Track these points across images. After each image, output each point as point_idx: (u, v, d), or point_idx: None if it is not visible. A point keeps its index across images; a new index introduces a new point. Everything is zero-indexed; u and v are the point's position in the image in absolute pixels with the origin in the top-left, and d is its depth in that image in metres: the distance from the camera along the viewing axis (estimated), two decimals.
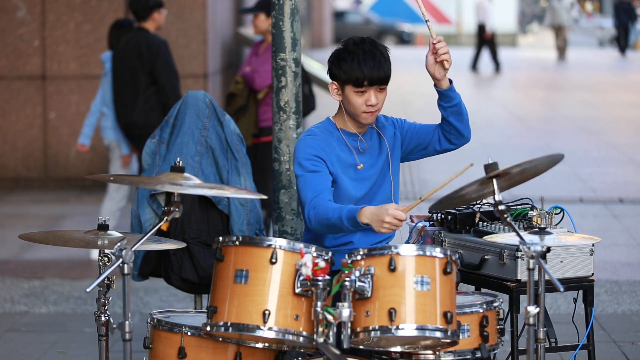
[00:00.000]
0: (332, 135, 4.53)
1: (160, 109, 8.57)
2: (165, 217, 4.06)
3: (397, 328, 3.92)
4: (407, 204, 4.23)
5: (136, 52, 8.64)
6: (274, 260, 4.00)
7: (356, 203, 4.45)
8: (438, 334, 3.96)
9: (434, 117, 4.65)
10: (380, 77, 4.41)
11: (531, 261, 3.96)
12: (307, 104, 8.83)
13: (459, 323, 4.10)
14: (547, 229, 4.43)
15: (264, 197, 4.33)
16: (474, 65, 26.43)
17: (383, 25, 42.15)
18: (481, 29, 26.31)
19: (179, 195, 4.11)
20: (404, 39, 41.57)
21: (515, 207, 5.01)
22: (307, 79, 9.02)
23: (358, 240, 4.52)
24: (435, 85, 4.56)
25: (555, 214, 4.93)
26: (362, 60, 4.40)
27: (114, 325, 4.05)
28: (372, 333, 3.94)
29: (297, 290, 3.98)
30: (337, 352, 3.94)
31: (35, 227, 9.88)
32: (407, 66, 25.62)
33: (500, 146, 14.37)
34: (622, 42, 32.06)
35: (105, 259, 4.26)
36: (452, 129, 4.60)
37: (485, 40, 26.14)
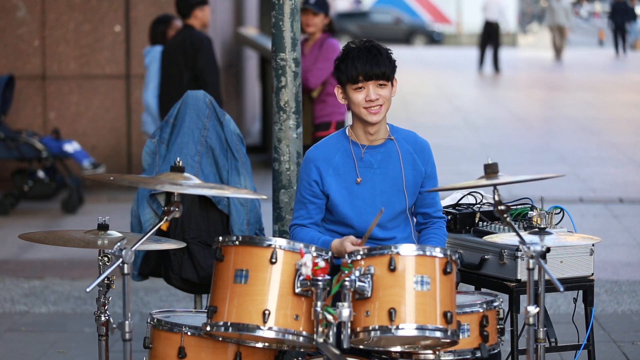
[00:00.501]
0: (340, 145, 4.55)
1: None
2: (165, 217, 4.06)
3: (397, 328, 3.92)
4: None
5: (180, 49, 8.83)
6: (274, 260, 4.01)
7: (353, 217, 4.48)
8: (438, 334, 3.96)
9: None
10: (375, 72, 4.42)
11: (531, 261, 3.97)
12: None
13: (459, 323, 4.10)
14: (547, 229, 4.43)
15: (264, 197, 4.34)
16: (481, 65, 26.25)
17: (413, 25, 41.72)
18: (491, 27, 25.81)
19: (179, 195, 4.11)
20: (434, 39, 41.19)
21: (515, 207, 5.01)
22: None
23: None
24: None
25: (555, 214, 4.93)
26: (356, 57, 4.44)
27: (114, 325, 4.05)
28: (372, 333, 3.94)
29: (297, 290, 3.99)
30: (337, 352, 3.94)
31: (35, 227, 9.88)
32: (408, 66, 25.63)
33: (500, 146, 14.36)
34: (617, 43, 31.87)
35: (105, 259, 4.26)
36: None
37: (491, 39, 25.80)
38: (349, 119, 4.70)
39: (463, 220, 5.01)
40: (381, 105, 4.46)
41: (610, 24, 32.22)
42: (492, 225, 4.97)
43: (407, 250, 4.01)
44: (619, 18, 31.51)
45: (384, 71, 4.44)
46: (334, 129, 8.75)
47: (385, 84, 4.46)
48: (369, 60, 4.42)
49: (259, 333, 3.98)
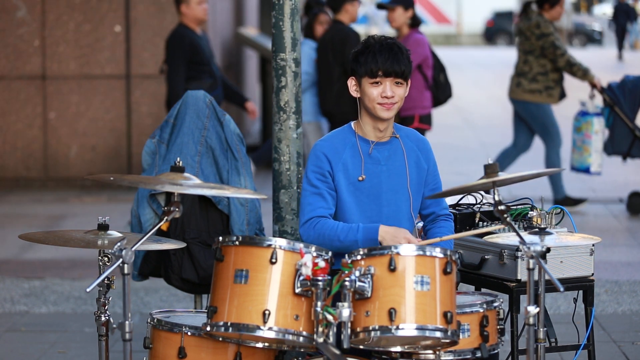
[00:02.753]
0: (347, 140, 4.54)
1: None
2: (165, 217, 4.05)
3: (397, 328, 3.92)
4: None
5: (330, 45, 9.15)
6: (274, 260, 4.00)
7: (356, 214, 4.47)
8: (438, 334, 3.96)
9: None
10: (394, 69, 4.42)
11: (531, 261, 3.96)
12: (445, 92, 9.09)
13: (459, 323, 4.10)
14: (547, 229, 4.42)
15: (264, 197, 4.34)
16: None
17: None
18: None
19: (179, 195, 4.11)
20: (593, 39, 40.65)
21: (515, 207, 5.01)
22: (442, 67, 9.25)
23: None
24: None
25: (555, 214, 4.93)
26: (378, 52, 4.43)
27: (114, 325, 4.05)
28: (372, 333, 3.94)
29: (297, 290, 3.98)
30: (337, 352, 3.94)
31: (35, 227, 9.88)
32: None
33: (500, 146, 14.31)
34: (621, 44, 31.76)
35: (105, 259, 4.26)
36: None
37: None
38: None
39: (463, 220, 5.01)
40: (395, 103, 4.46)
41: (612, 25, 32.10)
42: (492, 225, 4.96)
43: (407, 250, 4.01)
44: (622, 19, 31.35)
45: (404, 70, 4.45)
46: (417, 123, 8.86)
47: (402, 83, 4.47)
48: (390, 56, 4.43)
49: (259, 333, 3.98)
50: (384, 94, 4.44)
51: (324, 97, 9.42)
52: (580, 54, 26.54)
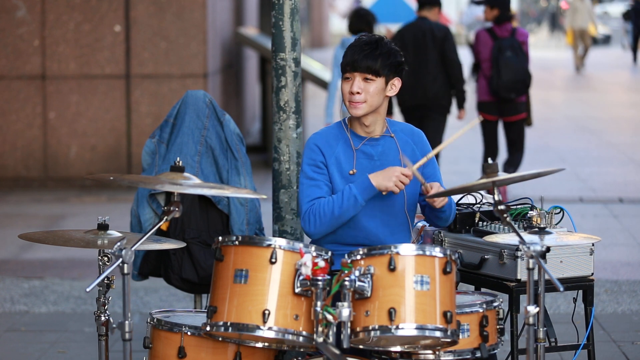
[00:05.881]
0: (340, 135, 4.52)
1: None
2: (165, 217, 4.05)
3: (397, 328, 3.92)
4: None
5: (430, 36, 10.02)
6: (273, 260, 4.00)
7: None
8: (438, 334, 3.96)
9: None
10: (361, 64, 4.36)
11: (531, 261, 3.96)
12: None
13: (459, 323, 4.10)
14: (547, 229, 4.42)
15: (264, 197, 4.34)
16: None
17: None
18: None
19: (179, 195, 4.11)
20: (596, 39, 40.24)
21: (515, 207, 5.01)
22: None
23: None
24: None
25: (555, 213, 4.93)
26: (353, 47, 4.41)
27: (114, 325, 4.05)
28: (372, 333, 3.94)
29: (296, 290, 3.98)
30: (336, 352, 3.94)
31: (35, 227, 9.88)
32: None
33: (500, 146, 14.35)
34: (637, 46, 30.96)
35: (105, 258, 4.26)
36: (432, 220, 4.67)
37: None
38: None
39: (463, 220, 5.01)
40: (364, 100, 4.40)
41: (628, 26, 31.51)
42: (492, 225, 4.96)
43: (406, 250, 4.00)
44: (638, 20, 30.62)
45: (370, 65, 4.36)
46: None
47: (372, 79, 4.39)
48: (361, 52, 4.37)
49: (259, 333, 3.98)
50: (350, 89, 4.40)
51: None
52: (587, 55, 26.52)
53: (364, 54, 4.36)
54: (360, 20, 10.34)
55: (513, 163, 10.67)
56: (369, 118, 4.46)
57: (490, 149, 10.63)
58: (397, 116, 10.76)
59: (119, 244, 3.98)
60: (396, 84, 4.46)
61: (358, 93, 4.38)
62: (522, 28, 10.30)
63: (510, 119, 10.46)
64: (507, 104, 10.29)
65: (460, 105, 10.22)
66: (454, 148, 13.22)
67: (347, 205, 4.34)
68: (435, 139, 9.89)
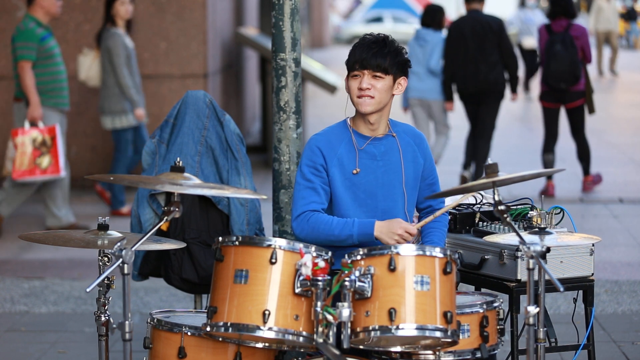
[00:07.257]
0: (343, 135, 4.53)
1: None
2: (165, 217, 4.05)
3: (397, 328, 3.92)
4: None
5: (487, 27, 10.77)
6: (273, 260, 4.00)
7: (352, 209, 4.47)
8: (438, 334, 3.96)
9: None
10: (370, 61, 4.40)
11: (531, 261, 3.96)
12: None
13: (459, 323, 4.10)
14: (547, 229, 4.43)
15: (264, 197, 4.34)
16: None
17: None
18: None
19: (179, 195, 4.11)
20: None
21: (515, 207, 5.01)
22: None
23: None
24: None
25: (555, 214, 4.93)
26: (359, 46, 4.45)
27: (114, 325, 4.05)
28: (372, 333, 3.94)
29: (297, 290, 3.98)
30: (337, 352, 3.94)
31: (35, 227, 9.88)
32: None
33: (501, 146, 14.34)
34: None
35: (105, 259, 4.26)
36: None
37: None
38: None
39: (463, 220, 5.01)
40: (372, 97, 4.43)
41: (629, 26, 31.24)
42: (492, 225, 4.97)
43: (406, 250, 4.01)
44: None
45: (380, 63, 4.41)
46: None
47: (381, 77, 4.43)
48: (370, 50, 4.41)
49: (259, 333, 3.98)
50: (359, 85, 4.43)
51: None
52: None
53: (373, 52, 4.40)
54: (434, 14, 11.18)
55: (582, 155, 11.48)
56: (375, 116, 4.49)
57: (549, 134, 11.31)
58: (457, 102, 11.35)
59: (119, 244, 3.98)
60: (402, 83, 4.50)
61: (368, 89, 4.42)
62: (579, 24, 10.89)
63: (568, 106, 11.12)
64: (563, 92, 10.93)
65: (514, 90, 11.17)
66: (454, 148, 13.22)
67: (342, 238, 4.40)
68: (490, 123, 11.13)
